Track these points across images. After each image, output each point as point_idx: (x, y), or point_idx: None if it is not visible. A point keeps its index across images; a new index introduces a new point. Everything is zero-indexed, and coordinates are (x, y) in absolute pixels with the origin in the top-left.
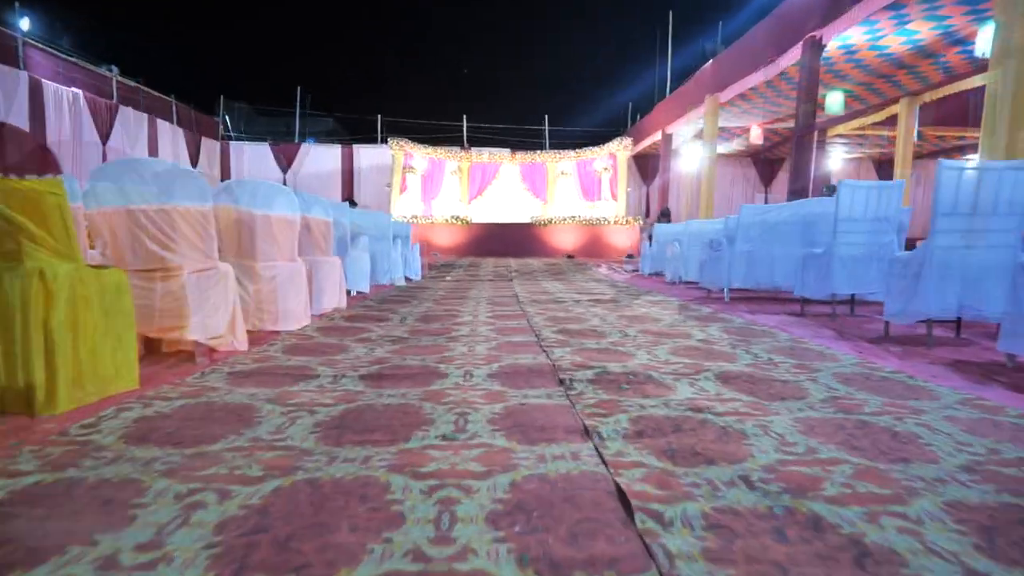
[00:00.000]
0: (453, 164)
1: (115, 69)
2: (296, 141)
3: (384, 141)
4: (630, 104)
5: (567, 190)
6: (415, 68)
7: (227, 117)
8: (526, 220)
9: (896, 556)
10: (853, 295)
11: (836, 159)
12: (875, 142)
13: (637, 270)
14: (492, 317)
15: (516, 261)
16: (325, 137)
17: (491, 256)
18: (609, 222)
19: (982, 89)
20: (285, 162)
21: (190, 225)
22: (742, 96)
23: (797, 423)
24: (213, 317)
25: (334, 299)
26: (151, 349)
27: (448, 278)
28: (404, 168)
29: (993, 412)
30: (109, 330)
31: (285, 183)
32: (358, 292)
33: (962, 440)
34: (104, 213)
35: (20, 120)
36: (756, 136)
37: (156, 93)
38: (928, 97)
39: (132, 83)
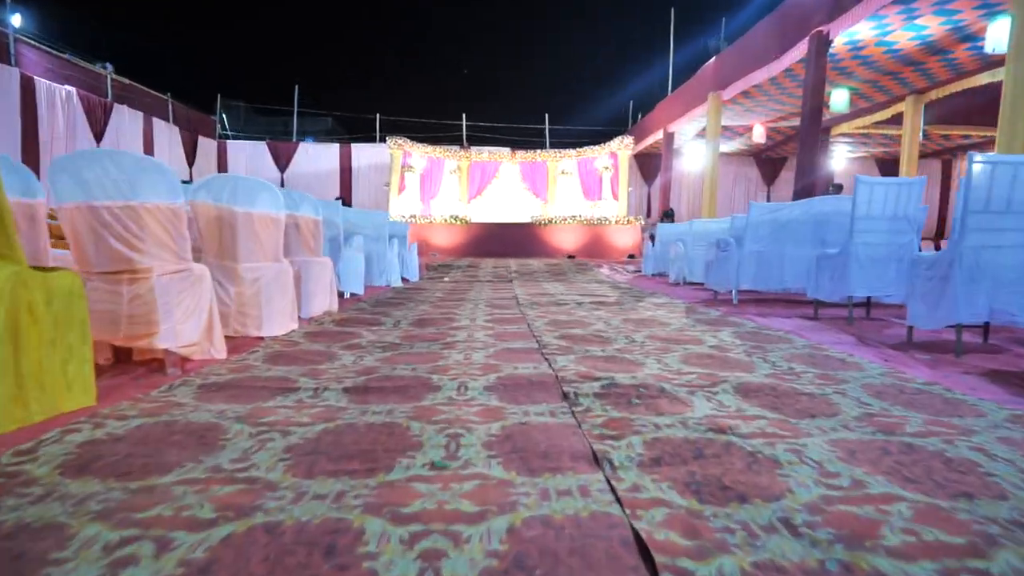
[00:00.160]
0: (452, 163)
1: (110, 67)
2: (294, 140)
3: (382, 140)
4: (631, 102)
5: (568, 189)
6: (415, 68)
7: (224, 116)
8: (526, 220)
9: None
10: (869, 298)
11: (840, 158)
12: (879, 141)
13: (639, 271)
14: (491, 321)
15: (516, 261)
16: (324, 136)
17: (491, 256)
18: (610, 222)
19: (990, 87)
20: (282, 161)
21: (159, 223)
22: (745, 94)
23: (834, 447)
24: (186, 323)
25: (324, 302)
26: (121, 358)
27: (446, 279)
28: (402, 167)
29: None
30: (59, 340)
31: (282, 182)
32: (352, 294)
33: None
34: (65, 210)
35: (11, 117)
36: (759, 135)
37: (152, 91)
38: (935, 95)
39: (127, 81)
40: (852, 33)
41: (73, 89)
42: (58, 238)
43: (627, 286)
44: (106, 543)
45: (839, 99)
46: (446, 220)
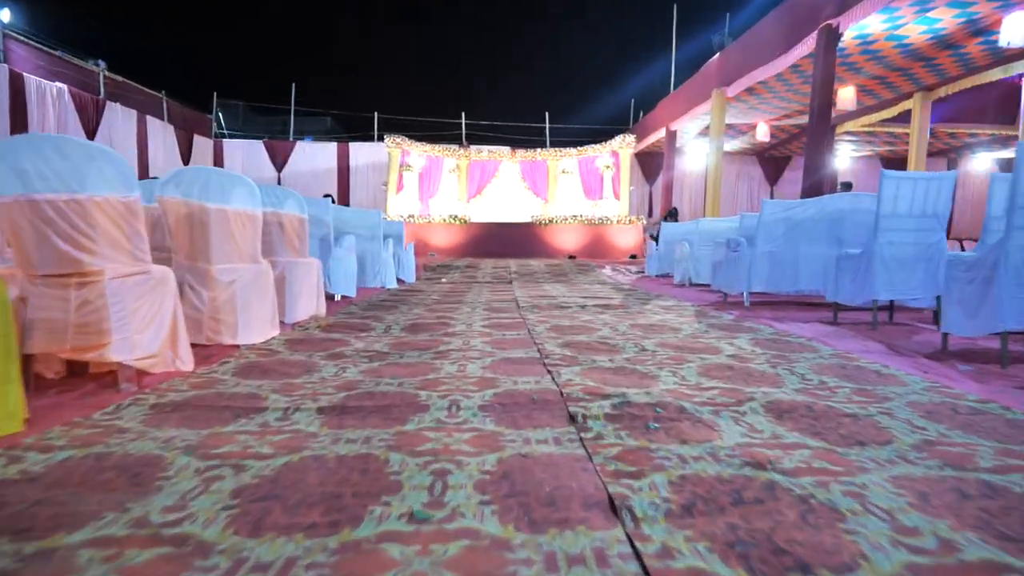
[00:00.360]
0: (451, 162)
1: (102, 64)
2: (291, 139)
3: (380, 138)
4: (632, 101)
5: (569, 189)
6: (415, 68)
7: (221, 115)
8: (526, 219)
9: None
10: (891, 301)
11: (844, 157)
12: (884, 139)
13: (642, 271)
14: (489, 326)
15: (516, 262)
16: (324, 136)
17: (490, 257)
18: (612, 221)
19: (1000, 84)
20: (279, 160)
21: (111, 219)
22: (750, 91)
23: (900, 488)
24: (144, 332)
25: (311, 306)
26: (76, 370)
27: (443, 280)
28: (401, 166)
29: None
30: None
31: (279, 181)
32: (343, 297)
33: None
34: (2, 204)
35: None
36: (763, 133)
37: (146, 89)
38: (944, 92)
39: (120, 78)
40: (862, 26)
41: (64, 86)
42: None
43: (631, 288)
44: None
45: (845, 96)
46: (445, 220)
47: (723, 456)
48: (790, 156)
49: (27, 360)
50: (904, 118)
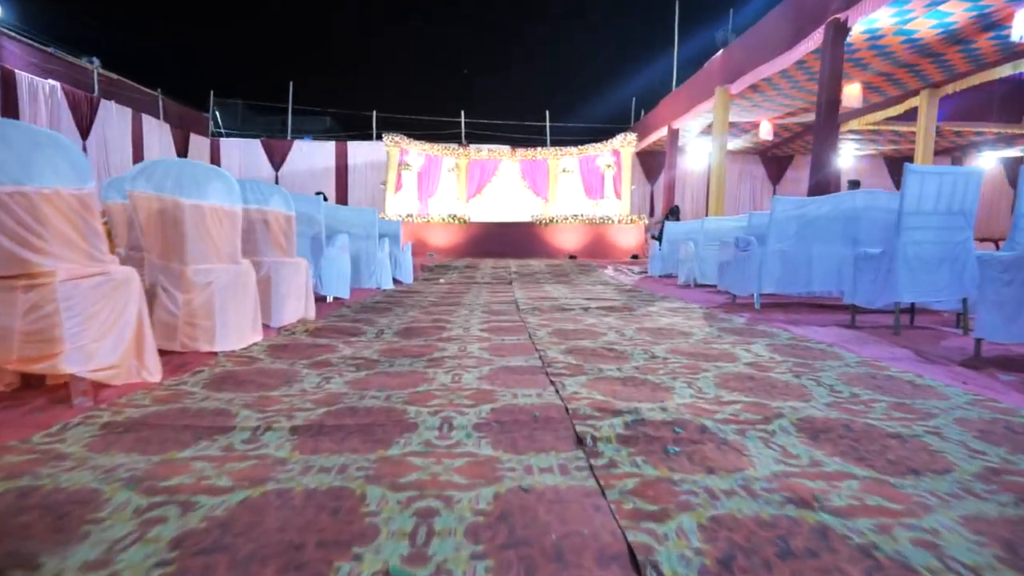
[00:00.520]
0: (451, 161)
1: (96, 61)
2: (289, 138)
3: (379, 137)
4: (634, 99)
5: (569, 188)
6: (415, 67)
7: (218, 114)
8: (526, 219)
9: None
10: (914, 303)
11: (847, 156)
12: (888, 138)
13: (645, 272)
14: (487, 330)
15: (516, 262)
16: (323, 135)
17: (490, 257)
18: (613, 221)
19: (1005, 81)
20: (277, 159)
21: (62, 215)
22: (754, 88)
23: (978, 533)
24: (102, 341)
25: (299, 308)
26: (32, 382)
27: (442, 281)
28: (399, 165)
29: None
30: None
31: (277, 181)
32: (335, 298)
33: None
34: None
35: None
36: (766, 132)
37: (141, 87)
38: (951, 88)
39: (115, 76)
40: (871, 20)
41: (57, 83)
42: None
43: (635, 289)
44: None
45: (851, 93)
46: (444, 219)
47: (759, 490)
48: (792, 155)
49: None
50: (910, 116)
